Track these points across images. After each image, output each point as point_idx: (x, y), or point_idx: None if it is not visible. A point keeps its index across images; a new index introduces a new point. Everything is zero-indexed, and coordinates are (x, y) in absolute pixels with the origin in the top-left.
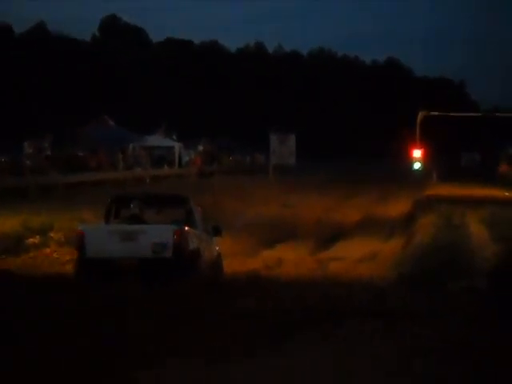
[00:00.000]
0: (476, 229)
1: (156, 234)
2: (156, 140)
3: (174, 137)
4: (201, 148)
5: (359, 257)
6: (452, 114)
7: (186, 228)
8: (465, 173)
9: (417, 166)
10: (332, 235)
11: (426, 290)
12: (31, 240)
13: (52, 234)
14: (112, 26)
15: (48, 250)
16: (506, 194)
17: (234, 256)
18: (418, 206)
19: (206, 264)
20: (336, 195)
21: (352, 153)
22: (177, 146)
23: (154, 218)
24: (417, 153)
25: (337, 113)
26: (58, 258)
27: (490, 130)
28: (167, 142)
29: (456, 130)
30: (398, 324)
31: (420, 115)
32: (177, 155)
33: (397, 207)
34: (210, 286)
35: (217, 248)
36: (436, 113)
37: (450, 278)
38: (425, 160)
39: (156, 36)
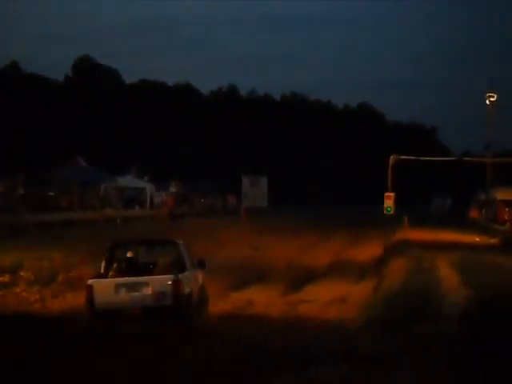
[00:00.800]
0: (446, 273)
1: (156, 284)
2: (128, 181)
3: (146, 178)
4: (172, 189)
5: (329, 299)
6: (423, 159)
7: (180, 276)
8: (435, 217)
9: (388, 209)
10: (303, 278)
11: (395, 333)
12: (0, 279)
13: (22, 273)
14: (85, 66)
15: (18, 289)
16: (477, 239)
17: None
18: (389, 249)
19: (195, 298)
20: (308, 239)
21: (325, 197)
22: (148, 187)
23: (148, 259)
24: (388, 197)
25: (310, 157)
26: (28, 297)
27: (461, 175)
28: (139, 183)
29: (427, 175)
30: (368, 367)
31: (392, 159)
32: (148, 196)
33: (368, 251)
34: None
35: (200, 278)
36: (407, 157)
37: (420, 322)
38: (396, 204)
39: (129, 77)
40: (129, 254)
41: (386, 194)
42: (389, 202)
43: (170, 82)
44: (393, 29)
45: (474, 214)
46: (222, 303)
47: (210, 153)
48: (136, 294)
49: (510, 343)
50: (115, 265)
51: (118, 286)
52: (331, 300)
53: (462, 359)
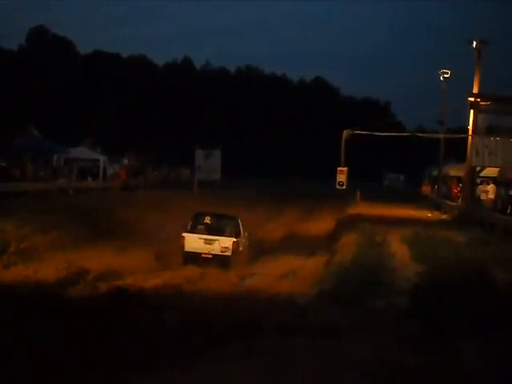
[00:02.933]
0: (398, 248)
1: (223, 242)
2: (81, 152)
3: (99, 150)
4: (125, 162)
5: (281, 273)
6: (376, 134)
7: (237, 239)
8: (388, 193)
9: (340, 184)
10: (256, 251)
11: (346, 307)
12: None
13: None
14: (39, 36)
15: None
16: (429, 214)
17: (157, 270)
18: (341, 224)
19: (244, 253)
20: (261, 212)
21: (279, 170)
22: (102, 159)
23: (217, 224)
24: (341, 171)
25: (264, 130)
26: None
27: (414, 150)
28: (92, 155)
29: (380, 150)
30: (317, 340)
31: (345, 134)
32: (101, 168)
33: (320, 225)
34: None
35: (247, 242)
36: (361, 132)
37: (371, 297)
38: (349, 179)
39: (84, 48)
40: (206, 220)
41: (339, 168)
42: (341, 176)
43: (125, 53)
44: (351, 3)
45: (426, 189)
46: (174, 275)
47: (165, 125)
48: (209, 245)
49: (457, 317)
50: (198, 226)
51: (199, 239)
52: (283, 274)
53: (412, 333)
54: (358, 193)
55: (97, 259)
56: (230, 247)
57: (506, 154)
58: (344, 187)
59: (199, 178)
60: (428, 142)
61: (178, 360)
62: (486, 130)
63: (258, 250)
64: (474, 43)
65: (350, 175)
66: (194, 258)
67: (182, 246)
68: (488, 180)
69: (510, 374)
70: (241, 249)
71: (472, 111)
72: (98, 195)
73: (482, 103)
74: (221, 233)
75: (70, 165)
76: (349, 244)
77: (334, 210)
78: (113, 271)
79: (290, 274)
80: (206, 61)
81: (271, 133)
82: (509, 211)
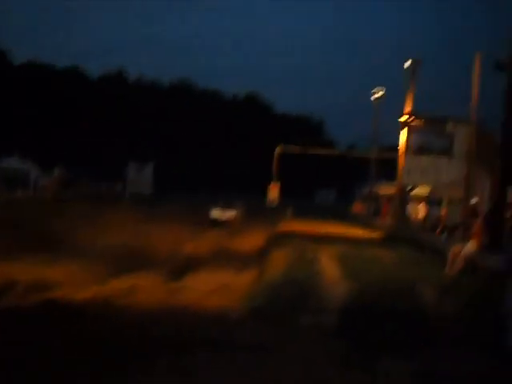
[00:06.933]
0: (328, 265)
1: (230, 213)
2: (11, 163)
3: (30, 161)
4: (56, 173)
5: (210, 288)
6: (309, 151)
7: (235, 213)
8: (319, 210)
9: (272, 200)
10: (184, 266)
11: (275, 324)
12: None
13: None
14: None
15: None
16: (359, 233)
17: (84, 283)
18: (272, 240)
19: (238, 220)
20: (192, 226)
21: (211, 185)
22: (32, 170)
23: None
24: (273, 187)
25: (197, 145)
26: None
27: (346, 168)
28: (22, 166)
29: (312, 167)
30: (244, 357)
31: (277, 151)
32: (32, 180)
33: (251, 241)
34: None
35: (239, 215)
36: (293, 149)
37: (300, 313)
38: (281, 195)
39: (18, 59)
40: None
41: (271, 185)
42: (273, 192)
43: (60, 64)
44: (285, 19)
45: (357, 207)
46: (101, 289)
47: (99, 137)
48: (224, 213)
49: (384, 335)
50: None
51: (218, 211)
52: (212, 289)
53: (339, 351)
54: (290, 209)
55: (24, 271)
56: (234, 216)
57: (436, 173)
58: (275, 203)
59: (131, 191)
60: (360, 159)
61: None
62: (418, 149)
63: (187, 265)
64: (408, 63)
65: (282, 191)
66: (215, 221)
67: (208, 215)
68: (419, 199)
69: None
70: (237, 217)
71: (404, 130)
72: (26, 206)
73: (413, 123)
74: (229, 209)
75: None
76: (279, 260)
77: (265, 225)
78: (41, 283)
79: (218, 290)
80: (140, 73)
81: (204, 148)
82: (438, 230)
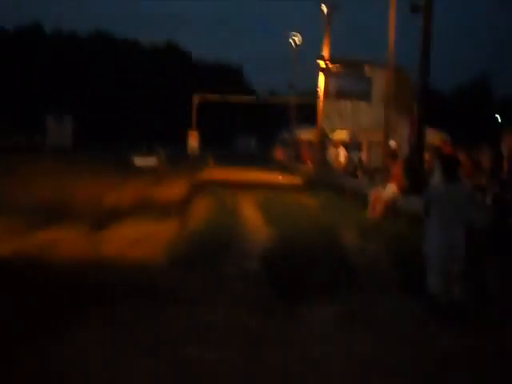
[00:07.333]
0: (250, 212)
1: (153, 159)
2: None
3: None
4: None
5: (133, 239)
6: (228, 99)
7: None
8: (241, 157)
9: (192, 149)
10: (107, 217)
11: (199, 273)
12: None
13: None
14: None
15: None
16: (280, 178)
17: (4, 237)
18: (194, 189)
19: (162, 166)
20: (113, 177)
21: (132, 135)
22: None
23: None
24: (192, 135)
25: (117, 95)
26: None
27: (266, 114)
28: None
29: (233, 115)
30: (167, 305)
31: (195, 99)
32: None
33: (173, 190)
34: None
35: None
36: (212, 97)
37: (223, 262)
38: (201, 143)
39: None
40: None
41: (190, 132)
42: (192, 140)
43: None
44: None
45: (277, 153)
46: (24, 242)
47: (17, 90)
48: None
49: (307, 280)
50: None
51: (142, 157)
52: (135, 239)
53: (263, 298)
54: (211, 157)
55: None
56: (156, 161)
57: (355, 117)
58: (195, 151)
59: (51, 144)
60: (280, 105)
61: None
62: (337, 94)
63: (110, 216)
64: (324, 7)
65: (203, 139)
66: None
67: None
68: (339, 144)
69: (354, 335)
70: (160, 164)
71: (322, 75)
72: None
73: (331, 67)
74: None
75: None
76: (201, 209)
77: (187, 174)
78: None
79: (142, 240)
80: (57, 24)
81: (124, 98)
82: (359, 174)
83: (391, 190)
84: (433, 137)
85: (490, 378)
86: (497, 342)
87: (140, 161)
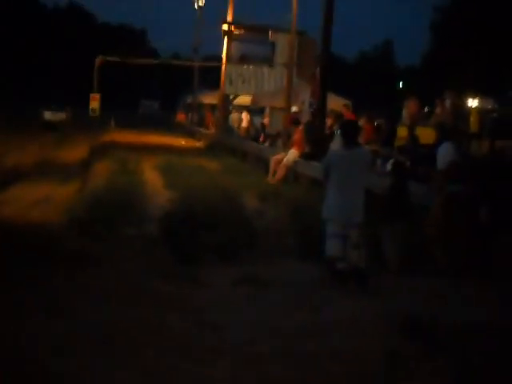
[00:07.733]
0: (151, 176)
1: (60, 115)
2: None
3: None
4: None
5: (33, 201)
6: (131, 61)
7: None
8: (143, 120)
9: (93, 111)
10: (8, 178)
11: (99, 234)
12: None
13: None
14: None
15: None
16: (183, 142)
17: None
18: (95, 152)
19: None
20: (10, 140)
21: (35, 97)
22: None
23: None
24: (93, 98)
25: (17, 58)
26: None
27: (170, 78)
28: None
29: (136, 78)
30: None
31: (97, 60)
32: None
33: (74, 152)
34: None
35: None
36: (114, 59)
37: (123, 224)
38: (103, 106)
39: None
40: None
41: (92, 95)
42: (94, 103)
43: None
44: None
45: (181, 117)
46: None
47: None
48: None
49: (206, 243)
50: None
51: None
52: (34, 201)
53: (162, 260)
54: (112, 120)
55: None
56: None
57: (258, 82)
58: (97, 114)
59: None
60: (183, 69)
61: None
62: (240, 59)
63: (9, 178)
64: None
65: (105, 102)
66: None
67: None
68: (242, 108)
69: (251, 299)
70: None
71: (226, 39)
72: None
73: (235, 31)
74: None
75: None
76: (102, 171)
77: (88, 137)
78: None
79: (41, 202)
80: None
81: (26, 60)
82: (261, 139)
83: (292, 155)
84: (335, 102)
85: (373, 339)
86: (389, 307)
87: (49, 115)
